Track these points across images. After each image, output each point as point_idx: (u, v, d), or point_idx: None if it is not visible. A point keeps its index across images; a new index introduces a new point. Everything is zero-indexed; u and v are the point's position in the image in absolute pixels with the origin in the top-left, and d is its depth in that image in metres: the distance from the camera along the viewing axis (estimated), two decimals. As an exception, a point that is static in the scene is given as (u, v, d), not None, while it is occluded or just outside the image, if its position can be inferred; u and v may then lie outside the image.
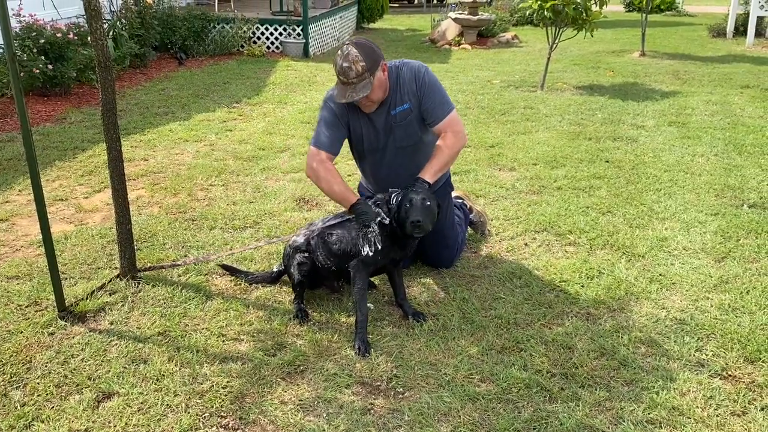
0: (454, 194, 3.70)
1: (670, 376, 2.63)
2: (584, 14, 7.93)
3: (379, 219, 2.91)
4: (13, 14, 6.86)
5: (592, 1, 7.93)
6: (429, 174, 3.03)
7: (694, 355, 2.77)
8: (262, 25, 11.17)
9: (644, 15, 11.33)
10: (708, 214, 4.24)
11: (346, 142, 3.28)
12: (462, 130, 3.18)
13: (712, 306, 3.15)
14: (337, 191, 3.03)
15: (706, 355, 2.78)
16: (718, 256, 3.66)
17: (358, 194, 3.13)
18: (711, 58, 10.95)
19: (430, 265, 3.52)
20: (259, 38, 11.19)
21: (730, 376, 2.65)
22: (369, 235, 2.89)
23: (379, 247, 2.89)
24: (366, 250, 2.89)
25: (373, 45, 3.05)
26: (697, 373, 2.66)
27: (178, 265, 3.48)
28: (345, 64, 2.92)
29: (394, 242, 2.96)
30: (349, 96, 2.95)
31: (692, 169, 5.13)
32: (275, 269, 3.36)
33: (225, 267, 3.45)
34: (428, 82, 3.15)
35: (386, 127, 3.19)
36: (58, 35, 7.22)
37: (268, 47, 11.16)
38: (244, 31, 10.86)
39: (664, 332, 2.94)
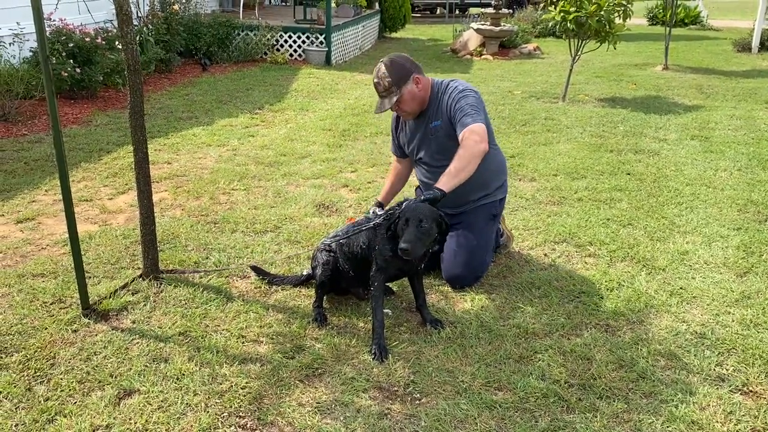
0: None
1: (689, 390, 2.61)
2: (607, 27, 7.91)
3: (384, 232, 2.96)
4: (44, 18, 7.00)
5: (616, 14, 7.91)
6: (443, 182, 3.04)
7: (714, 370, 2.75)
8: (285, 33, 11.29)
9: (668, 28, 11.26)
10: (730, 228, 4.20)
11: None
12: (481, 139, 3.14)
13: (733, 321, 3.12)
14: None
15: (727, 369, 2.75)
16: (740, 271, 3.63)
17: (382, 197, 3.66)
18: (735, 73, 10.85)
19: (447, 282, 3.44)
20: (282, 46, 11.30)
21: (751, 391, 2.62)
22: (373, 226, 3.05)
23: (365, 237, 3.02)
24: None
25: (405, 61, 3.29)
26: (717, 388, 2.63)
27: (204, 272, 3.52)
28: (375, 80, 3.29)
29: (398, 254, 2.90)
30: (379, 107, 3.32)
31: (715, 183, 5.09)
32: (305, 273, 3.39)
33: (254, 268, 3.48)
34: (462, 96, 3.27)
35: (424, 137, 3.44)
36: (87, 39, 7.36)
37: (291, 55, 11.27)
38: (268, 39, 10.98)
39: (684, 346, 2.92)
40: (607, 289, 3.42)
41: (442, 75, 10.02)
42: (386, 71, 3.23)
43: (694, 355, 2.84)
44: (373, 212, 3.30)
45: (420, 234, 2.79)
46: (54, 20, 7.26)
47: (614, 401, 2.54)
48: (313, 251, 3.32)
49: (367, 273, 3.00)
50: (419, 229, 2.79)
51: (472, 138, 3.13)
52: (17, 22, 7.03)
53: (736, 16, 21.87)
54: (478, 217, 3.47)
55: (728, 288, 3.43)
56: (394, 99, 3.24)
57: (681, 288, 3.43)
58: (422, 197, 2.95)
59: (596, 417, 2.45)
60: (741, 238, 4.04)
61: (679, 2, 12.98)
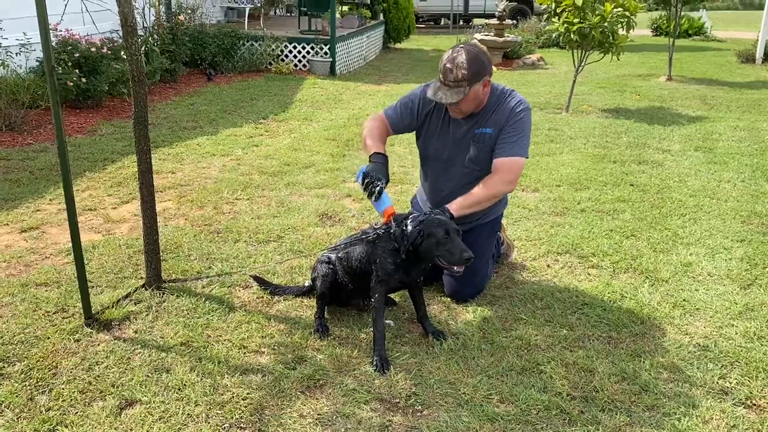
0: None
1: (692, 403, 2.59)
2: (611, 38, 7.93)
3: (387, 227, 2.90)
4: (50, 29, 7.06)
5: (619, 25, 7.93)
6: (455, 206, 2.98)
7: (717, 383, 2.73)
8: (290, 44, 11.34)
9: (672, 39, 11.29)
10: (734, 240, 4.19)
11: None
12: (514, 179, 3.08)
13: (736, 333, 3.11)
14: (367, 143, 3.15)
15: (730, 382, 2.74)
16: (743, 283, 3.62)
17: (381, 152, 3.11)
18: (739, 84, 10.86)
19: (449, 297, 3.41)
20: (287, 56, 11.35)
21: (754, 405, 2.61)
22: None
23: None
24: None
25: (486, 57, 3.00)
26: (720, 401, 2.62)
27: (206, 277, 3.53)
28: (448, 66, 2.93)
29: (401, 266, 2.91)
30: (439, 96, 2.98)
31: (718, 194, 5.08)
32: (307, 284, 3.40)
33: (256, 278, 3.49)
34: (519, 119, 3.09)
35: (464, 140, 3.17)
36: (92, 49, 7.41)
37: (296, 65, 11.32)
38: (273, 49, 11.03)
39: (687, 358, 2.90)
40: (610, 301, 3.41)
41: (446, 85, 10.03)
42: (466, 62, 2.89)
43: (697, 368, 2.83)
44: (373, 225, 3.17)
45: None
46: (60, 31, 7.30)
47: (617, 414, 2.52)
48: (315, 262, 3.32)
49: (367, 285, 2.99)
50: (460, 237, 2.81)
51: (506, 176, 3.03)
52: (24, 32, 7.08)
53: (740, 27, 21.90)
54: (482, 234, 3.38)
55: (732, 300, 3.42)
56: (460, 96, 2.92)
57: (684, 300, 3.42)
58: (436, 213, 2.90)
59: (598, 430, 2.44)
60: (745, 250, 4.03)
61: (682, 13, 12.99)
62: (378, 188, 2.91)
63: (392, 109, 3.27)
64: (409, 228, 2.84)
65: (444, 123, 3.20)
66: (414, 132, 3.37)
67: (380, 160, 3.06)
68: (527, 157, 3.15)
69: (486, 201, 3.07)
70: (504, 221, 4.44)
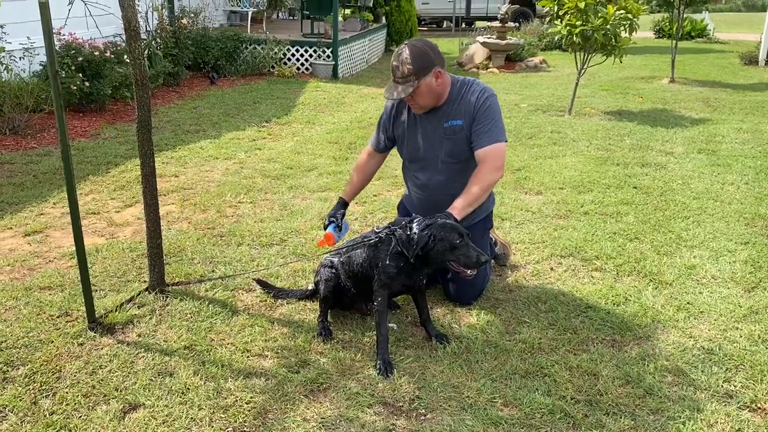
0: None
1: (697, 407, 2.58)
2: (613, 40, 7.92)
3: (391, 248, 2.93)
4: (53, 33, 7.09)
5: (622, 28, 7.93)
6: (458, 210, 2.98)
7: (722, 386, 2.73)
8: (292, 47, 11.36)
9: (674, 41, 11.28)
10: (738, 242, 4.18)
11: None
12: (501, 164, 3.11)
13: (741, 336, 3.10)
14: (351, 177, 3.54)
15: (735, 386, 2.73)
16: (748, 286, 3.61)
17: (347, 196, 3.46)
18: (742, 86, 10.84)
19: (451, 301, 3.41)
20: (289, 59, 11.37)
21: (759, 408, 2.60)
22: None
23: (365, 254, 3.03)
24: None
25: (431, 50, 3.03)
26: (725, 405, 2.61)
27: (208, 279, 3.53)
28: (394, 63, 3.03)
29: (404, 270, 2.91)
30: (391, 93, 3.07)
31: (722, 197, 5.07)
32: (310, 287, 3.40)
33: (259, 282, 3.49)
34: (489, 106, 3.11)
35: (435, 137, 3.19)
36: (96, 53, 7.43)
37: (298, 68, 11.34)
38: (275, 53, 11.05)
39: (692, 362, 2.90)
40: (614, 304, 3.40)
41: (449, 88, 10.04)
42: (409, 57, 2.97)
43: (702, 372, 2.82)
44: (375, 228, 3.14)
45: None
46: (64, 35, 7.34)
47: (621, 418, 2.52)
48: (318, 266, 3.32)
49: (369, 289, 2.99)
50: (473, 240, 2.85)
51: (492, 164, 3.06)
52: (27, 37, 7.11)
53: (742, 29, 21.88)
54: (476, 234, 3.32)
55: (736, 303, 3.41)
56: (410, 90, 2.98)
57: (688, 303, 3.41)
58: (441, 217, 2.89)
59: (603, 434, 2.43)
60: (749, 253, 4.02)
61: (685, 15, 12.98)
62: (325, 224, 3.32)
63: (373, 136, 3.49)
64: (415, 231, 2.83)
65: (412, 124, 3.26)
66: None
67: (338, 204, 3.43)
68: (506, 140, 3.18)
69: (483, 194, 3.08)
70: (500, 220, 4.45)
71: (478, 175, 3.07)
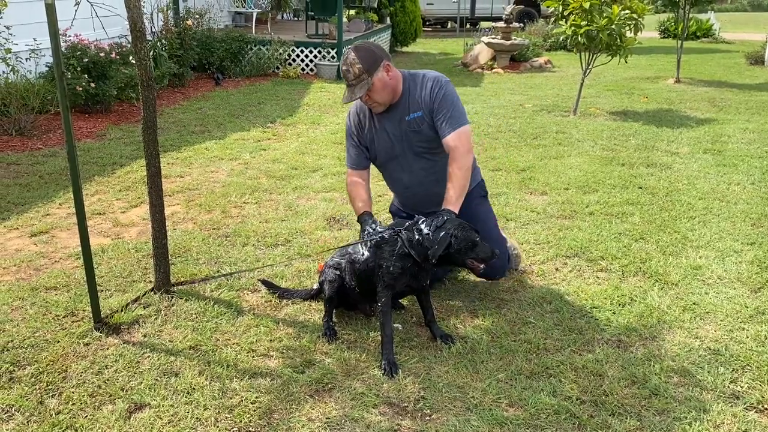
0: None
1: (703, 407, 2.57)
2: (618, 40, 7.90)
3: (396, 248, 2.92)
4: (60, 34, 7.12)
5: (627, 28, 7.91)
6: (453, 203, 3.02)
7: (728, 387, 2.72)
8: (297, 48, 11.37)
9: (680, 41, 11.25)
10: (744, 243, 4.16)
11: None
12: (469, 146, 3.16)
13: (747, 337, 3.08)
14: (353, 204, 3.39)
15: (741, 387, 2.72)
16: (754, 287, 3.59)
17: (367, 207, 3.29)
18: (748, 86, 10.80)
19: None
20: (294, 60, 11.39)
21: (765, 409, 2.59)
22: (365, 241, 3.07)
23: (368, 254, 3.02)
24: (360, 251, 3.07)
25: (374, 47, 3.16)
26: (731, 405, 2.60)
27: (213, 278, 3.54)
28: (344, 68, 3.12)
29: (409, 270, 2.91)
30: (349, 96, 3.13)
31: (728, 197, 5.05)
32: (315, 286, 3.40)
33: (264, 282, 3.49)
34: (445, 94, 3.17)
35: (400, 132, 3.26)
36: (101, 54, 7.46)
37: (303, 69, 11.35)
38: (280, 53, 11.07)
39: (698, 362, 2.89)
40: (619, 304, 3.39)
41: (453, 89, 10.04)
42: (356, 57, 3.06)
43: (708, 372, 2.81)
44: (370, 229, 3.13)
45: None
46: (69, 36, 7.36)
47: (627, 418, 2.51)
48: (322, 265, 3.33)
49: (372, 289, 3.00)
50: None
51: (463, 148, 3.11)
52: (34, 38, 7.13)
53: (748, 29, 21.81)
54: (472, 202, 3.35)
55: (742, 304, 3.40)
56: (366, 87, 3.06)
57: (694, 303, 3.40)
58: (446, 215, 2.91)
59: (608, 434, 2.42)
60: (755, 253, 4.00)
61: (690, 15, 12.95)
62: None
63: (348, 158, 3.44)
64: (427, 233, 2.84)
65: (377, 127, 3.30)
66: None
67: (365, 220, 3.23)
68: (469, 122, 3.22)
69: (466, 179, 3.13)
70: (505, 220, 4.45)
71: (455, 163, 3.11)
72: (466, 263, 2.90)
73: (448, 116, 3.15)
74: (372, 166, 3.47)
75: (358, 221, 3.30)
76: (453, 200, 3.03)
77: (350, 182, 3.40)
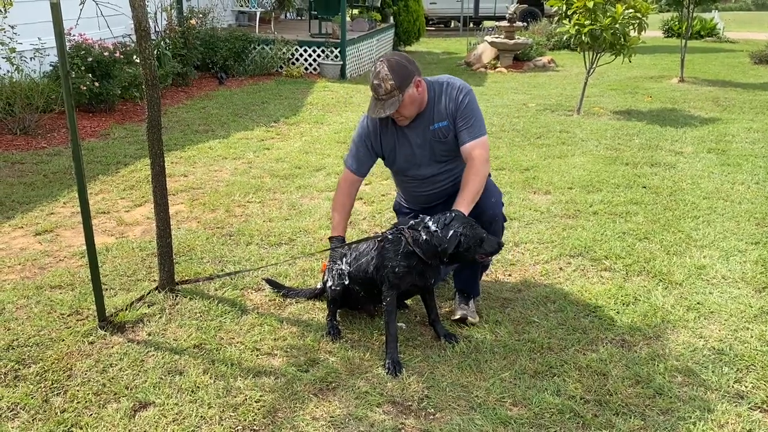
0: None
1: (707, 407, 2.57)
2: (622, 39, 7.89)
3: (401, 248, 2.92)
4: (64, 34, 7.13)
5: (631, 27, 7.90)
6: (464, 206, 3.00)
7: (732, 386, 2.71)
8: (300, 47, 11.38)
9: (684, 41, 11.23)
10: (748, 242, 4.16)
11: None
12: (487, 156, 3.14)
13: (752, 337, 3.08)
14: (332, 220, 3.34)
15: (746, 386, 2.71)
16: (758, 286, 3.59)
17: (340, 232, 3.27)
18: (753, 85, 10.78)
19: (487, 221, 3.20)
20: (297, 59, 11.39)
21: (770, 409, 2.58)
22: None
23: (346, 282, 3.07)
24: (329, 283, 3.12)
25: (406, 62, 3.06)
26: (736, 405, 2.60)
27: (217, 277, 3.55)
28: (375, 82, 3.02)
29: (415, 269, 2.92)
30: (378, 111, 3.05)
31: (732, 196, 5.04)
32: (319, 285, 3.40)
33: (269, 281, 3.50)
34: (469, 101, 3.15)
35: (424, 141, 3.20)
36: (105, 54, 7.47)
37: (306, 68, 11.35)
38: (284, 53, 11.07)
39: (702, 362, 2.88)
40: (623, 304, 3.39)
41: (457, 88, 10.03)
42: (389, 73, 2.98)
43: (712, 372, 2.81)
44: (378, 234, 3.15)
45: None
46: (74, 35, 7.38)
47: (631, 418, 2.51)
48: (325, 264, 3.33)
49: (375, 290, 3.00)
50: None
51: (482, 157, 3.09)
52: (38, 37, 7.15)
53: (752, 28, 21.76)
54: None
55: (747, 303, 3.39)
56: (396, 104, 3.00)
57: (698, 303, 3.40)
58: (454, 213, 2.90)
59: (612, 434, 2.42)
60: (759, 253, 3.99)
61: (694, 14, 12.92)
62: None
63: (349, 156, 3.35)
64: (435, 230, 2.83)
65: (399, 135, 3.22)
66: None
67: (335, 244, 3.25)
68: (487, 133, 3.20)
69: (481, 187, 3.11)
70: (509, 219, 4.44)
71: (472, 170, 3.09)
72: (476, 258, 2.92)
73: (470, 125, 3.12)
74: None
75: (329, 239, 3.28)
76: (464, 204, 3.00)
77: (343, 186, 3.33)
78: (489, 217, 3.15)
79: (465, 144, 3.13)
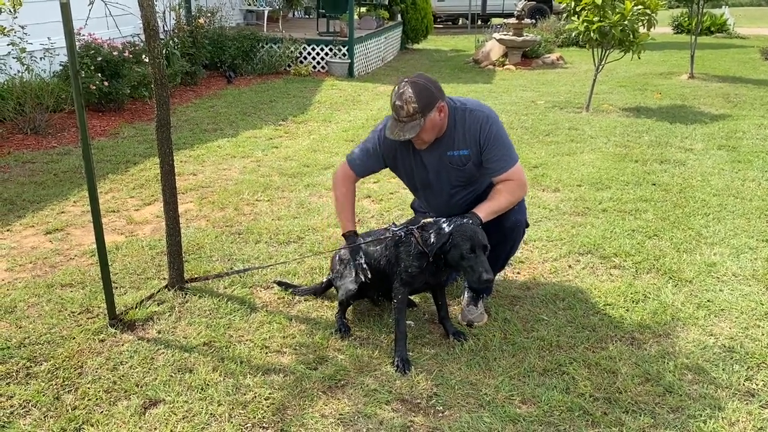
0: None
1: (718, 405, 2.56)
2: (631, 36, 7.85)
3: (411, 248, 2.90)
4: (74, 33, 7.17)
5: (640, 23, 7.85)
6: (484, 212, 2.94)
7: (743, 384, 2.70)
8: (308, 46, 11.38)
9: (693, 37, 11.15)
10: (759, 240, 4.13)
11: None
12: (525, 181, 3.08)
13: (762, 334, 3.06)
14: (340, 216, 3.25)
15: (757, 384, 2.70)
16: (769, 284, 3.57)
17: (353, 226, 3.20)
18: (763, 81, 10.69)
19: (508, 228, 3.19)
20: (305, 58, 11.40)
21: (781, 407, 2.57)
22: (358, 267, 3.06)
23: (369, 276, 3.00)
24: (360, 278, 3.04)
25: (431, 85, 2.93)
26: (746, 403, 2.58)
27: (226, 275, 3.56)
28: (398, 103, 2.89)
29: (427, 269, 2.90)
30: (397, 134, 2.92)
31: (742, 193, 5.01)
32: (325, 279, 3.42)
33: (279, 283, 3.52)
34: (494, 134, 3.02)
35: (439, 166, 3.11)
36: (115, 53, 7.50)
37: (314, 67, 11.36)
38: (292, 51, 11.08)
39: (712, 360, 2.87)
40: (633, 302, 3.37)
41: (465, 85, 10.03)
42: (413, 95, 2.85)
43: (723, 370, 2.79)
44: (390, 226, 3.11)
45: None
46: (83, 35, 7.41)
47: (640, 416, 2.50)
48: (331, 258, 3.34)
49: (382, 281, 3.01)
50: (486, 255, 2.76)
51: (519, 182, 3.02)
52: (48, 37, 7.19)
53: (763, 24, 21.58)
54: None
55: (757, 301, 3.37)
56: (417, 129, 2.87)
57: (708, 300, 3.38)
58: (468, 220, 2.85)
59: (622, 431, 2.42)
60: (770, 250, 3.97)
61: (704, 10, 12.83)
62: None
63: (357, 158, 3.23)
64: (446, 230, 2.81)
65: (415, 155, 3.12)
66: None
67: (352, 239, 3.18)
68: (518, 159, 3.10)
69: (509, 205, 3.03)
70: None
71: (507, 187, 3.01)
72: (466, 270, 2.80)
73: (502, 154, 3.01)
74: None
75: (344, 238, 3.19)
76: (485, 211, 2.94)
77: (344, 182, 3.24)
78: (512, 223, 3.08)
79: (501, 174, 3.02)
